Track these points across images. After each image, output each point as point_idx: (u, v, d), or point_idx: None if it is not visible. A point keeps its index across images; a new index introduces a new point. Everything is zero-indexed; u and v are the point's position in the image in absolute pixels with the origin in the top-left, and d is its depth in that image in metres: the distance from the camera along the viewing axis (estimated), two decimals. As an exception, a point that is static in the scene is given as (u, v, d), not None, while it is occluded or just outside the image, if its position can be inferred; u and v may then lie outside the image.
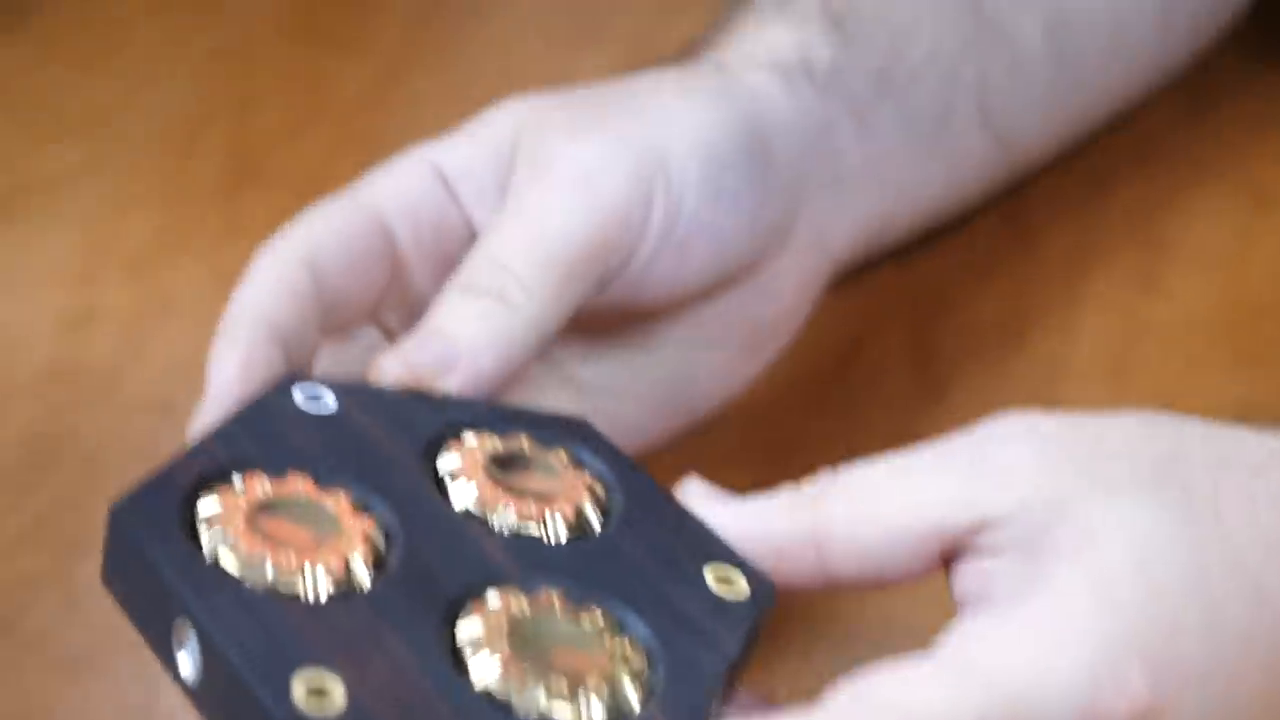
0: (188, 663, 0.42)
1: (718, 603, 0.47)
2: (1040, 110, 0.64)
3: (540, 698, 0.43)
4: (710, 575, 0.47)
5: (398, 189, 0.53)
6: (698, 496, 0.48)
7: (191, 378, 0.60)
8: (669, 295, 0.54)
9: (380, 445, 0.48)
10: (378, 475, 0.47)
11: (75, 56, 0.77)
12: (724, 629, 0.46)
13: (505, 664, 0.43)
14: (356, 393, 0.49)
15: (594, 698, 0.43)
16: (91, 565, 0.55)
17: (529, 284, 0.50)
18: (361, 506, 0.46)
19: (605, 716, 0.43)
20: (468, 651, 0.44)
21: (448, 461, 0.49)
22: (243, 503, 0.45)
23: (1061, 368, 0.63)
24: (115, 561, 0.44)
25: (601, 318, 0.54)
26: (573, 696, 0.43)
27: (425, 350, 0.50)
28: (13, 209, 0.69)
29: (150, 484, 0.45)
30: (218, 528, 0.44)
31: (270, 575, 0.44)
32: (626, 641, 0.45)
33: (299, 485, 0.46)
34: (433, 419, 0.50)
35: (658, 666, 0.45)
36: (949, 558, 0.46)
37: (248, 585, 0.43)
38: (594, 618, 0.45)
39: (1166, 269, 0.67)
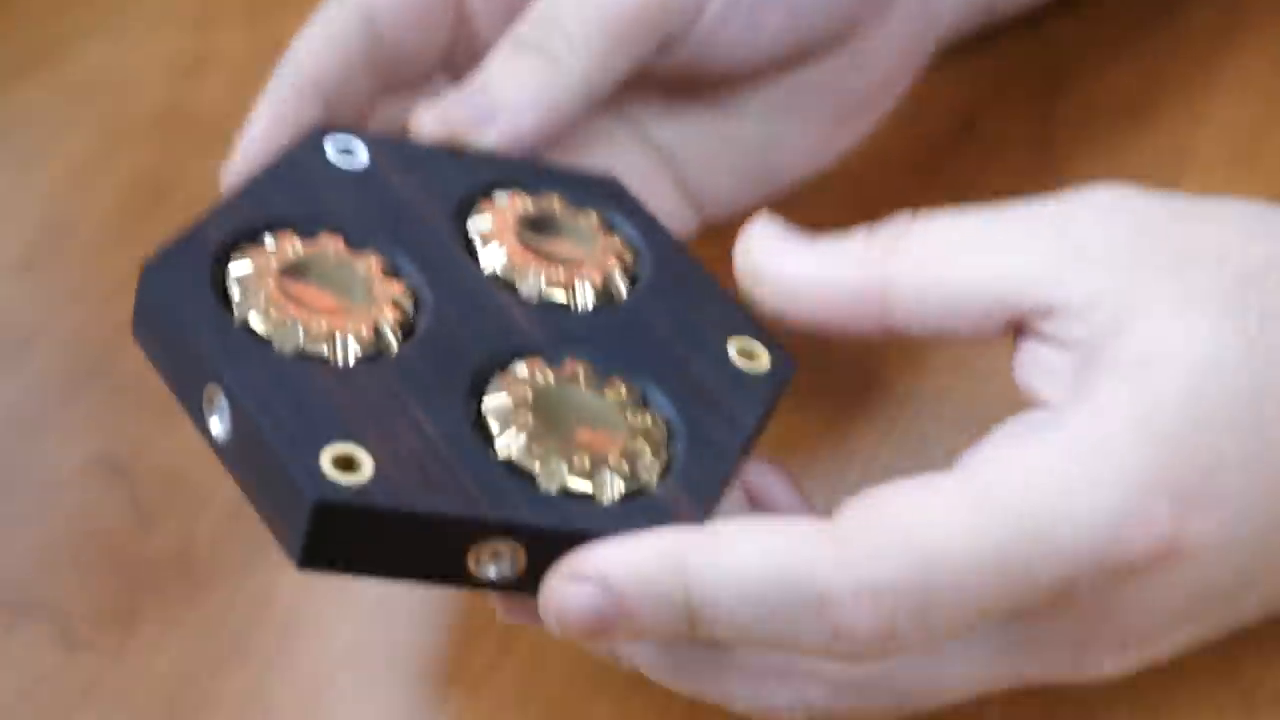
0: (218, 425, 0.42)
1: (738, 376, 0.46)
2: None
3: (562, 471, 0.42)
4: (733, 348, 0.47)
5: None
6: (764, 235, 0.46)
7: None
8: (742, 63, 0.52)
9: (412, 204, 0.48)
10: (409, 236, 0.47)
11: None
12: (743, 403, 0.46)
13: (529, 437, 0.43)
14: (390, 147, 0.49)
15: (614, 473, 0.43)
16: None
17: (578, 43, 0.49)
18: (392, 270, 0.46)
19: (624, 491, 0.43)
20: (494, 425, 0.43)
21: (478, 223, 0.48)
22: (273, 263, 0.45)
23: (1189, 155, 0.61)
24: (146, 319, 0.44)
25: (680, 81, 0.53)
26: (594, 471, 0.43)
27: (464, 104, 0.49)
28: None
29: (181, 243, 0.44)
30: (249, 290, 0.44)
31: (300, 339, 0.43)
32: (648, 415, 0.45)
33: (330, 246, 0.46)
34: (465, 177, 0.49)
35: (677, 440, 0.44)
36: (1018, 330, 0.44)
37: (277, 349, 0.43)
38: (617, 391, 0.45)
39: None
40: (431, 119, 0.49)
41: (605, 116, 0.53)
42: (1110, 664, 0.43)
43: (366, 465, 0.41)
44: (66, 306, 0.58)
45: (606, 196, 0.50)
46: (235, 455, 0.42)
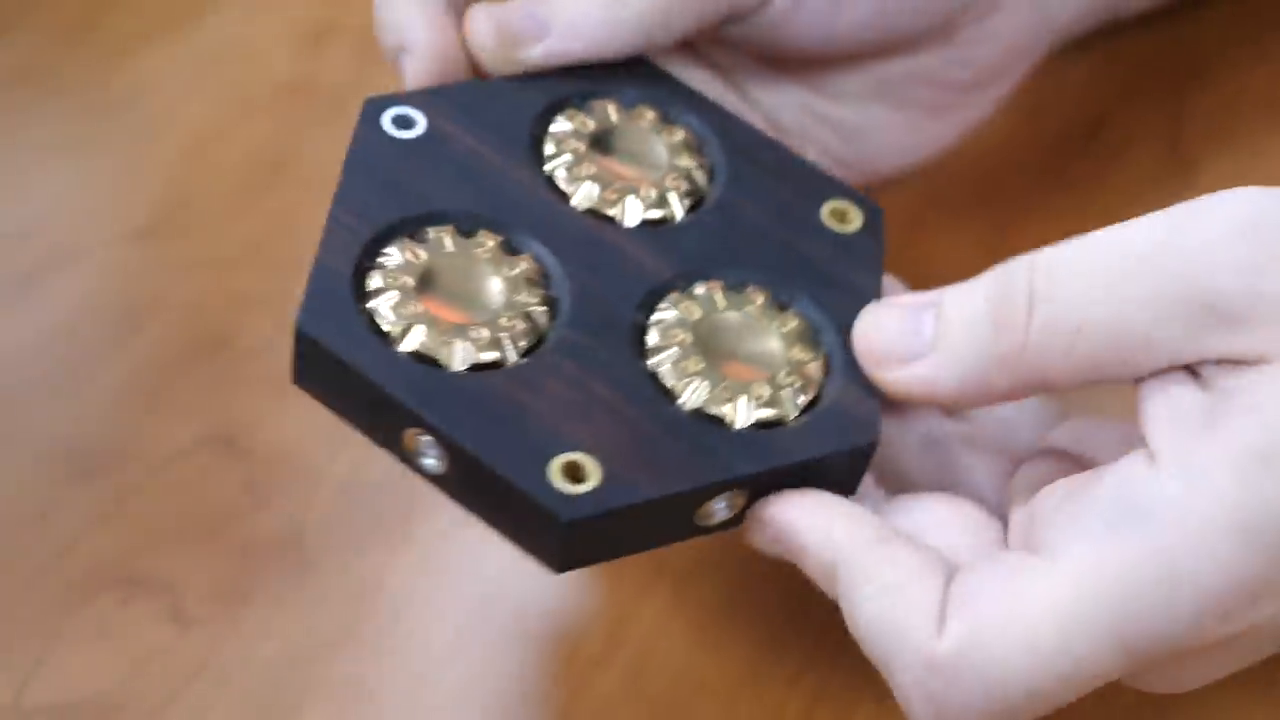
0: (432, 463, 0.43)
1: (841, 242, 0.47)
2: None
3: (749, 407, 0.44)
4: (826, 213, 0.48)
5: None
6: (878, 335, 0.45)
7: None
8: (822, 46, 0.51)
9: (487, 161, 0.48)
10: (504, 200, 0.47)
11: None
12: (859, 270, 0.47)
13: (707, 382, 0.45)
14: (437, 102, 0.48)
15: (790, 390, 0.45)
16: (305, 285, 0.57)
17: None
18: (509, 247, 0.46)
19: (802, 404, 0.45)
20: (670, 381, 0.45)
21: (556, 163, 0.48)
22: (408, 280, 0.45)
23: (1328, 155, 0.60)
24: (312, 372, 0.44)
25: (771, 55, 0.52)
26: (774, 397, 0.44)
27: (521, 15, 0.49)
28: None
29: (318, 288, 0.44)
30: (401, 316, 0.44)
31: (468, 352, 0.44)
32: (792, 317, 0.46)
33: (446, 241, 0.46)
34: (521, 111, 0.49)
35: (821, 332, 0.46)
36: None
37: (448, 368, 0.44)
38: (754, 301, 0.46)
39: None
40: (486, 25, 0.49)
41: (712, 76, 0.53)
42: None
43: (594, 472, 0.42)
44: (185, 276, 0.58)
45: (649, 84, 0.50)
46: (458, 485, 0.43)
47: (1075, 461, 0.45)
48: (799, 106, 0.53)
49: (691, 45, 0.53)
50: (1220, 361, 0.41)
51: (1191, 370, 0.42)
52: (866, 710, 0.49)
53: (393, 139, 0.48)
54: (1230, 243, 0.41)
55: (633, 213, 0.48)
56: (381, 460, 0.53)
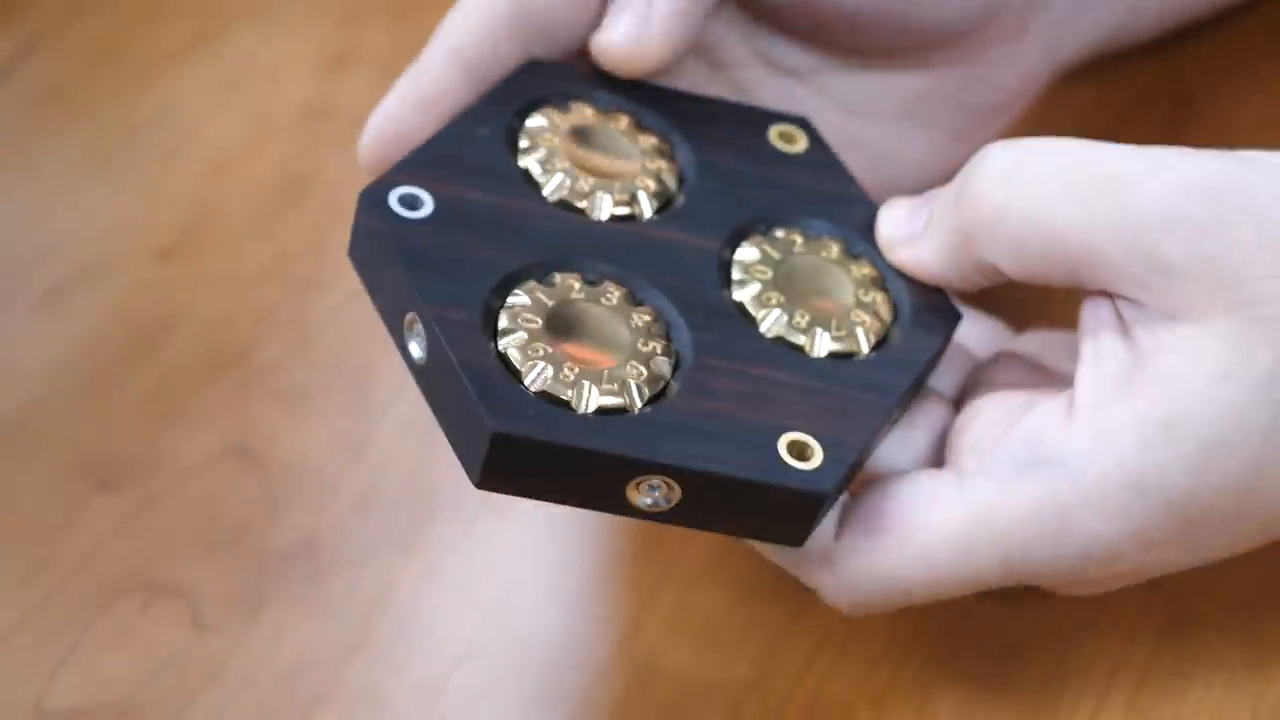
0: (651, 500, 0.45)
1: (808, 162, 0.52)
2: None
3: (858, 333, 0.49)
4: (776, 140, 0.52)
5: None
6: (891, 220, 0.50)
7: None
8: (851, 18, 0.53)
9: (506, 208, 0.48)
10: (549, 240, 0.48)
11: None
12: (841, 182, 0.52)
13: (808, 317, 0.48)
14: (424, 169, 0.48)
15: (862, 330, 0.48)
16: (323, 303, 0.59)
17: None
18: (634, 298, 0.48)
19: (877, 339, 0.49)
20: (758, 312, 0.48)
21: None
22: (544, 347, 0.46)
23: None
24: (507, 467, 0.44)
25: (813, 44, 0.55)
26: (853, 332, 0.48)
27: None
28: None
29: (480, 388, 0.44)
30: (550, 379, 0.45)
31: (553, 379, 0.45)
32: (864, 264, 0.50)
33: (555, 296, 0.47)
34: (491, 145, 0.49)
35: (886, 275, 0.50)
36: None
37: (638, 412, 0.45)
38: (830, 250, 0.50)
39: None
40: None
41: (765, 72, 0.55)
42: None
43: (815, 448, 0.45)
44: (208, 293, 0.60)
45: (598, 83, 0.52)
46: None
47: (1029, 366, 0.50)
48: (833, 129, 0.55)
49: (723, 64, 0.55)
50: (1150, 308, 0.45)
51: (1122, 320, 0.46)
52: (865, 711, 0.50)
53: (417, 222, 0.47)
54: (1183, 201, 0.44)
55: (650, 208, 0.49)
56: (393, 473, 0.55)
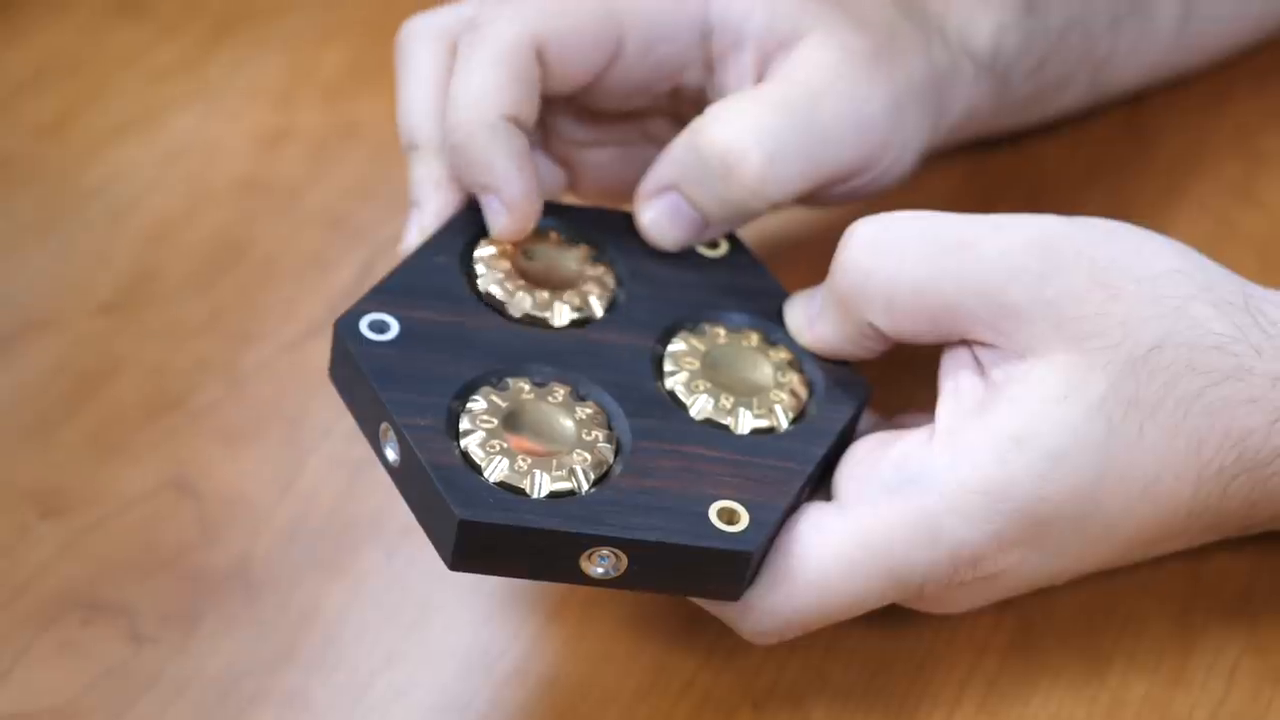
0: (602, 570, 0.49)
1: (730, 264, 0.56)
2: (1149, 72, 0.68)
3: (750, 419, 0.53)
4: (703, 248, 0.57)
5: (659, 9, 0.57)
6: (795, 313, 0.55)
7: (366, 198, 0.66)
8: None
9: (464, 325, 0.53)
10: (502, 350, 0.52)
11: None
12: (757, 277, 0.56)
13: (712, 398, 0.53)
14: (390, 299, 0.53)
15: (780, 408, 0.53)
16: (256, 354, 0.61)
17: None
18: (577, 394, 0.52)
19: (795, 414, 0.53)
20: (668, 369, 0.54)
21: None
22: (499, 443, 0.50)
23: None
24: (475, 551, 0.49)
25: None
26: (773, 409, 0.53)
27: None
28: (230, 32, 0.73)
29: (447, 483, 0.49)
30: (506, 471, 0.50)
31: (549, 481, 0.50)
32: (781, 350, 0.54)
33: (509, 401, 0.51)
34: (447, 272, 0.54)
35: (805, 365, 0.55)
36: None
37: (585, 494, 0.50)
38: (750, 339, 0.54)
39: (1265, 181, 0.68)
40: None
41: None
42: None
43: (741, 513, 0.50)
44: (148, 344, 0.62)
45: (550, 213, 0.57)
46: (635, 578, 0.50)
47: (896, 424, 0.54)
48: None
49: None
50: (1003, 349, 0.50)
51: (978, 363, 0.51)
52: (745, 714, 0.53)
53: (385, 343, 0.52)
54: (1024, 254, 0.50)
55: (587, 313, 0.54)
56: (321, 505, 0.58)
